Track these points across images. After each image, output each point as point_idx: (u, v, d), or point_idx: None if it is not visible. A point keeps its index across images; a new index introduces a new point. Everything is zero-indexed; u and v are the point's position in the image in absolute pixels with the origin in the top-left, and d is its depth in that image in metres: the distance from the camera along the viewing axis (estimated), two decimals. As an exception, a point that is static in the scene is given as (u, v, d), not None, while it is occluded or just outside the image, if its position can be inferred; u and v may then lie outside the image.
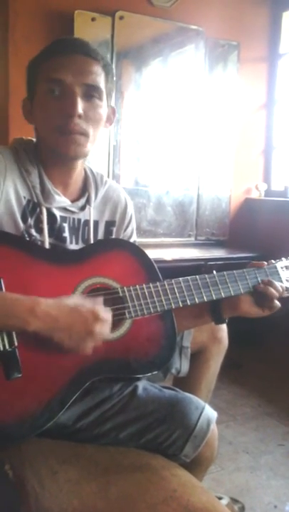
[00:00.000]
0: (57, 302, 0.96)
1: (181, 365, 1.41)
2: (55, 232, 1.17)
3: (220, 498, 1.67)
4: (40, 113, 1.11)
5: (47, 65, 1.09)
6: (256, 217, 3.33)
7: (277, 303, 1.19)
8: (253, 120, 3.38)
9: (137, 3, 2.88)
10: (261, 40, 3.33)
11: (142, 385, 1.21)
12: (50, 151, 1.13)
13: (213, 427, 1.19)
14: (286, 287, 1.24)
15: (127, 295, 1.09)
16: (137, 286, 1.10)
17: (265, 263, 1.25)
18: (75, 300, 1.00)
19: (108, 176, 2.76)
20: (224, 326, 1.51)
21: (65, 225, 1.18)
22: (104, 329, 0.99)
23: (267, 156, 3.45)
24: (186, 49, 3.05)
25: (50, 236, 1.15)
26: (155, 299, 1.11)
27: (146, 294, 1.10)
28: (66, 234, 1.18)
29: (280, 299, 1.22)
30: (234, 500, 1.73)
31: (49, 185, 1.14)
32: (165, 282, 1.13)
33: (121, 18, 2.78)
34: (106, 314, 0.99)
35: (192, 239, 3.19)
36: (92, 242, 1.22)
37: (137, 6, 2.87)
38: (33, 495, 0.99)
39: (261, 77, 3.37)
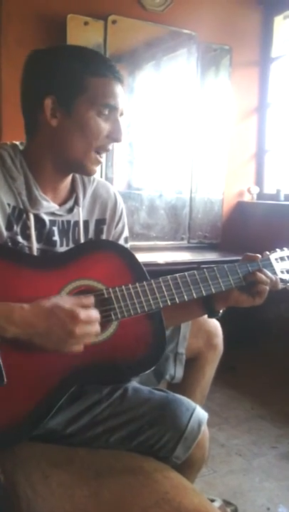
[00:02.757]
0: (33, 307, 0.95)
1: (176, 371, 1.41)
2: (44, 237, 1.16)
3: (212, 501, 1.67)
4: (81, 130, 1.10)
5: (97, 84, 1.09)
6: (249, 220, 3.34)
7: (266, 288, 1.19)
8: (246, 124, 3.39)
9: (130, 8, 2.89)
10: (253, 44, 3.35)
11: (132, 387, 1.20)
12: (69, 163, 1.14)
13: (204, 428, 1.19)
14: (280, 279, 1.24)
15: (113, 296, 1.07)
16: (123, 287, 1.08)
17: (259, 256, 1.24)
18: (54, 301, 0.97)
19: (101, 180, 2.77)
20: (220, 332, 1.50)
21: (55, 229, 1.18)
22: (88, 329, 0.97)
23: (259, 159, 3.47)
24: (178, 53, 3.06)
25: (38, 241, 1.14)
26: (142, 298, 1.08)
27: (133, 294, 1.08)
28: (56, 237, 1.17)
29: (273, 298, 1.22)
30: (227, 503, 1.73)
31: (36, 191, 1.13)
32: (152, 281, 1.11)
33: (114, 22, 2.78)
34: (88, 314, 0.98)
35: (185, 242, 3.20)
36: (82, 242, 1.22)
37: (130, 10, 2.88)
38: (24, 499, 0.99)
39: (253, 81, 3.38)
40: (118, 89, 1.12)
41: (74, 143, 1.11)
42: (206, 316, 1.29)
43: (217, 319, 1.43)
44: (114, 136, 1.13)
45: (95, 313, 1.00)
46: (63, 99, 1.09)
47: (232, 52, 3.19)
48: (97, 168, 1.19)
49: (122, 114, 1.15)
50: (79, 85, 1.09)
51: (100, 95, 1.09)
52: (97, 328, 1.00)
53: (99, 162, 1.15)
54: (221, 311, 1.27)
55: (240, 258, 1.25)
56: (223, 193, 3.30)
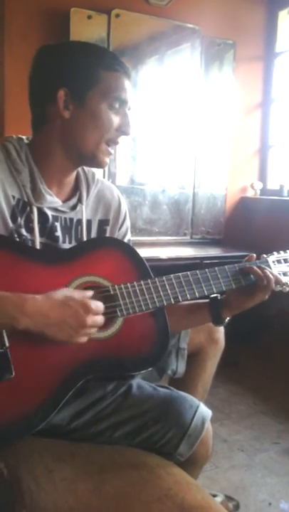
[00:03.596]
0: (45, 297, 0.97)
1: (178, 366, 1.41)
2: (47, 231, 1.16)
3: (214, 496, 1.68)
4: (93, 121, 1.11)
5: (109, 78, 1.11)
6: (252, 216, 3.33)
7: (262, 282, 1.19)
8: (249, 119, 3.39)
9: (134, 1, 2.88)
10: (257, 38, 3.33)
11: (137, 383, 1.21)
12: (81, 155, 1.14)
13: (208, 425, 1.19)
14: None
15: (118, 293, 1.09)
16: (128, 284, 1.10)
17: (254, 255, 1.26)
18: (64, 293, 1.00)
19: (104, 175, 2.77)
20: (221, 327, 1.51)
21: (57, 224, 1.18)
22: (96, 318, 1.00)
23: (262, 154, 3.46)
24: (182, 47, 3.05)
25: (41, 235, 1.15)
26: (147, 296, 1.10)
27: (138, 291, 1.10)
28: (58, 233, 1.18)
29: (273, 297, 1.23)
30: (229, 498, 1.74)
31: (41, 184, 1.13)
32: (156, 279, 1.13)
33: (117, 16, 2.78)
34: (97, 304, 1.01)
35: (188, 237, 3.20)
36: (89, 239, 1.22)
37: (133, 4, 2.86)
38: (28, 493, 0.99)
39: (257, 75, 3.37)
40: (127, 84, 1.14)
41: (86, 134, 1.12)
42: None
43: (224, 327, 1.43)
44: (123, 129, 1.15)
45: (100, 304, 1.02)
46: (76, 91, 1.10)
47: (236, 47, 3.17)
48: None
49: (129, 109, 1.17)
50: (93, 78, 1.10)
51: (112, 89, 1.11)
52: (102, 319, 1.03)
53: (110, 154, 1.17)
54: (226, 320, 1.28)
55: (242, 254, 1.26)
56: (226, 188, 3.30)
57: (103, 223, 1.28)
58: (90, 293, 1.03)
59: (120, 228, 1.31)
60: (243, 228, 3.33)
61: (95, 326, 1.01)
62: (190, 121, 3.11)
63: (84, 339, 1.00)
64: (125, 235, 1.33)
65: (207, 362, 1.50)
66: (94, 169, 1.29)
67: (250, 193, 3.41)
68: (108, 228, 1.28)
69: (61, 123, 1.12)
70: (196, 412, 1.17)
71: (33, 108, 1.16)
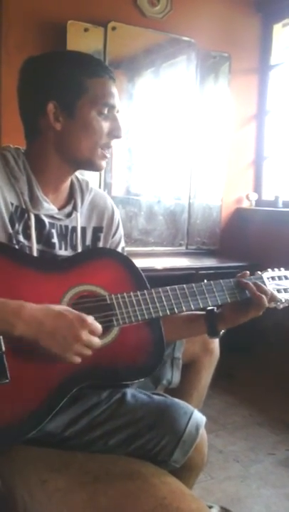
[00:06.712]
0: (43, 307, 0.97)
1: (173, 376, 1.41)
2: (44, 238, 1.18)
3: (210, 507, 1.67)
4: (85, 130, 1.14)
5: (95, 85, 1.13)
6: (247, 227, 3.35)
7: (257, 299, 1.20)
8: (244, 130, 3.41)
9: (130, 14, 2.91)
10: (252, 51, 3.37)
11: (131, 391, 1.21)
12: (78, 161, 1.17)
13: (202, 431, 1.18)
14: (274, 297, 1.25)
15: (115, 302, 1.10)
16: (125, 294, 1.11)
17: (248, 272, 1.28)
18: (64, 307, 1.01)
19: (100, 185, 2.78)
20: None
21: (54, 231, 1.19)
22: (92, 338, 0.99)
23: (258, 166, 3.48)
24: (177, 60, 3.08)
25: (38, 242, 1.16)
26: (143, 306, 1.11)
27: (134, 301, 1.11)
28: (55, 240, 1.19)
29: (268, 310, 1.23)
30: (224, 509, 1.73)
31: (38, 191, 1.15)
32: (153, 291, 1.14)
33: (113, 28, 2.80)
34: (95, 324, 1.00)
35: (183, 248, 3.20)
36: (80, 248, 1.23)
37: (130, 17, 2.89)
38: (21, 504, 0.98)
39: (252, 88, 3.40)
40: (113, 88, 1.16)
41: (80, 143, 1.15)
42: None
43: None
44: (115, 134, 1.17)
45: (99, 326, 1.01)
46: (65, 103, 1.12)
47: (231, 60, 3.21)
48: (96, 174, 1.21)
49: (118, 111, 1.19)
50: (79, 88, 1.12)
51: (99, 96, 1.13)
52: (99, 342, 1.01)
53: (106, 157, 1.19)
54: (221, 332, 1.29)
55: (238, 264, 1.28)
56: (222, 199, 3.31)
57: (97, 230, 1.29)
58: (91, 317, 1.01)
59: (114, 236, 1.32)
60: (239, 239, 3.34)
61: (90, 345, 0.99)
62: (186, 132, 3.14)
63: (77, 359, 0.98)
64: (119, 242, 1.34)
65: (202, 372, 1.50)
66: (89, 179, 1.31)
67: (245, 204, 3.43)
68: (102, 235, 1.30)
69: (53, 135, 1.14)
70: (190, 418, 1.16)
71: (24, 121, 1.19)
